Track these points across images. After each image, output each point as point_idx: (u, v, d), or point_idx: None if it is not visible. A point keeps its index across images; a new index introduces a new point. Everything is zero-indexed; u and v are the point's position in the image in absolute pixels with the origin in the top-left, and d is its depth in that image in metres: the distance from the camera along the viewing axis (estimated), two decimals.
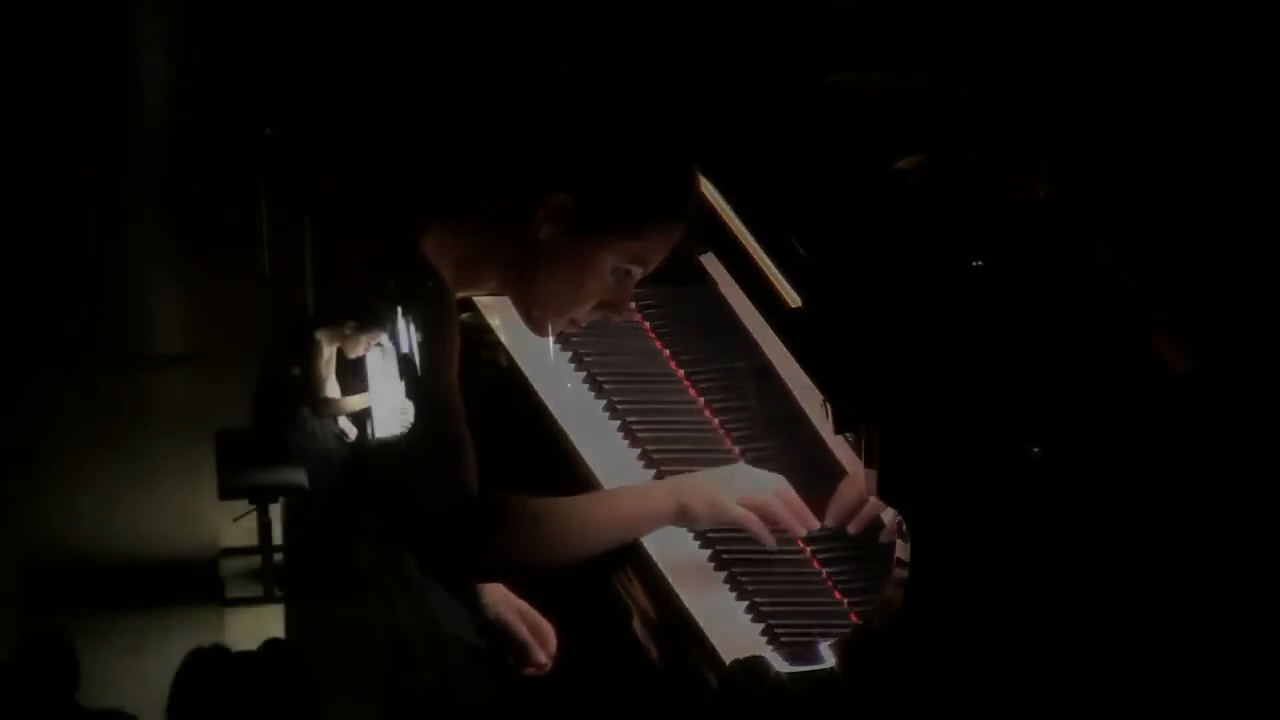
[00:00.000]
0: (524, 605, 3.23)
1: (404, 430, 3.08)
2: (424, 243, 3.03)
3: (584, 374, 3.37)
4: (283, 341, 6.79)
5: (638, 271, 3.03)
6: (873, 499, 2.95)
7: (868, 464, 2.87)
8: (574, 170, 2.97)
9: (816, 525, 3.00)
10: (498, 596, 3.21)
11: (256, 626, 6.47)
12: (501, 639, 3.21)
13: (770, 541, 2.97)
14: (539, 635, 3.24)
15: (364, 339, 6.37)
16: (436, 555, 2.98)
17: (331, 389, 6.51)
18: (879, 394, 2.91)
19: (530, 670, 3.23)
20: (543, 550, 2.96)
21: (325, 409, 6.49)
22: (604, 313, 3.07)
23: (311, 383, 6.46)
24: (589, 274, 3.00)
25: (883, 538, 3.03)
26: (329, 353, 6.48)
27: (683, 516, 2.98)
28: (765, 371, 3.31)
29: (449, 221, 3.06)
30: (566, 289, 3.02)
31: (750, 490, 3.00)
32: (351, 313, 6.51)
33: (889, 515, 2.93)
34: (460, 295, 3.09)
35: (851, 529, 2.99)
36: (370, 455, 3.59)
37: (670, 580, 2.99)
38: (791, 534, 2.99)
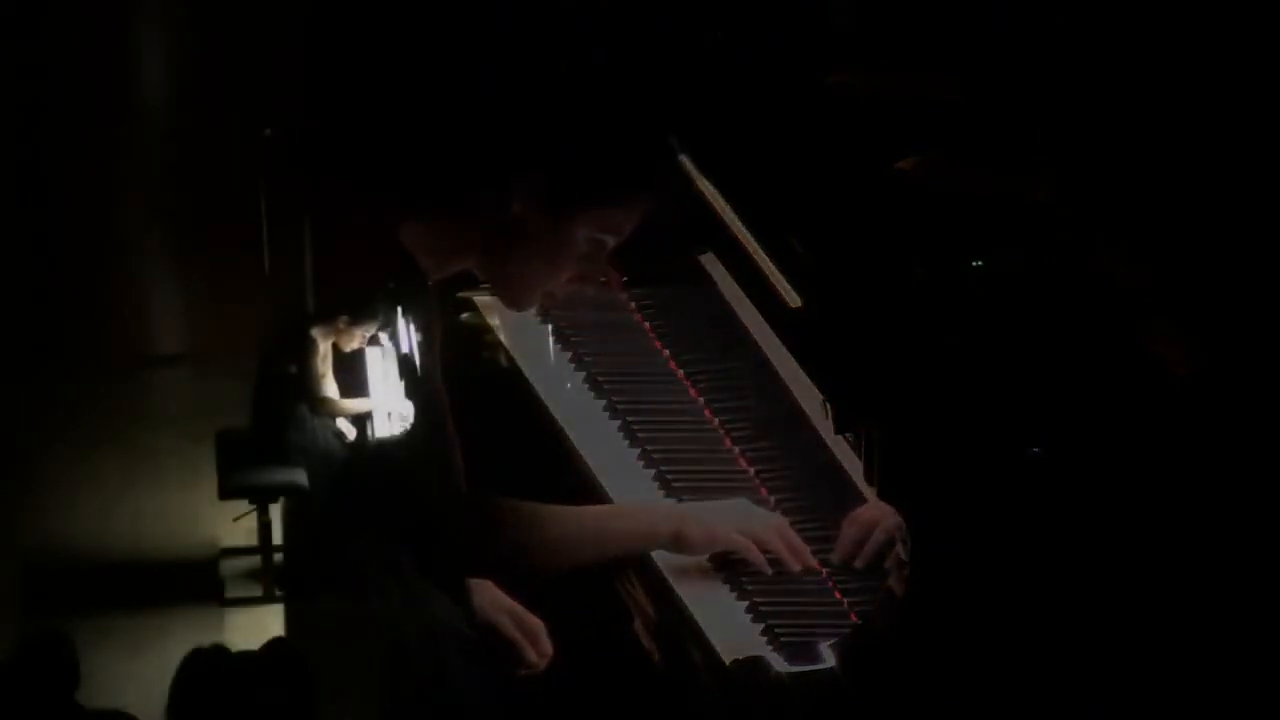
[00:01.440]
0: (515, 606, 3.23)
1: (401, 430, 3.08)
2: (402, 232, 3.03)
3: (584, 374, 3.36)
4: (281, 341, 6.80)
5: (610, 241, 3.04)
6: (875, 533, 2.96)
7: (867, 465, 2.88)
8: (544, 145, 2.98)
9: (813, 563, 3.01)
10: (486, 597, 3.21)
11: (256, 626, 6.47)
12: (490, 639, 3.21)
13: (767, 570, 2.99)
14: (529, 635, 3.23)
15: (357, 332, 6.38)
16: (425, 551, 2.99)
17: (329, 387, 6.51)
18: (879, 394, 2.91)
19: (523, 670, 3.23)
20: (533, 555, 2.99)
21: (323, 409, 6.50)
22: (579, 284, 3.09)
23: (308, 379, 6.47)
24: (563, 246, 3.02)
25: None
26: (324, 348, 6.50)
27: (678, 543, 3.01)
28: (765, 371, 3.31)
29: (425, 208, 3.06)
30: (542, 262, 3.03)
31: (750, 523, 3.01)
32: (344, 307, 6.49)
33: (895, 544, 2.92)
34: (438, 279, 3.08)
35: (858, 564, 3.00)
36: (368, 455, 3.59)
37: (670, 580, 2.99)
38: (786, 568, 3.00)
